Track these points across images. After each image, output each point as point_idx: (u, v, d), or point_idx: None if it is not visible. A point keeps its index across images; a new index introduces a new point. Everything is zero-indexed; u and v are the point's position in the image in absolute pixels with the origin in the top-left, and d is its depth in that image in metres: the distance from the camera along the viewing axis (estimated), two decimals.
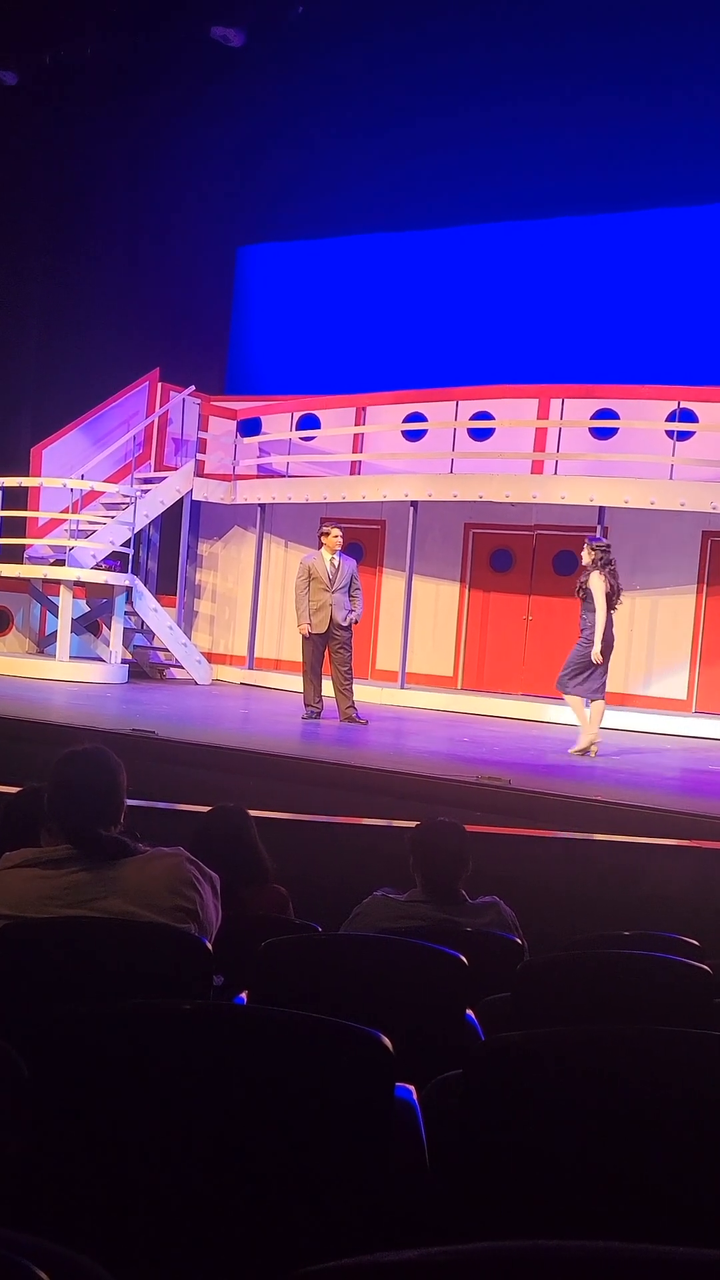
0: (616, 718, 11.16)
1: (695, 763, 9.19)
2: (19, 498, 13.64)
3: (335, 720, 9.78)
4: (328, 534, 9.95)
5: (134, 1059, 1.85)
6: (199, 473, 13.76)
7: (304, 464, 13.48)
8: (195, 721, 9.60)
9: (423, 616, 12.71)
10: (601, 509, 11.27)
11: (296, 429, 13.44)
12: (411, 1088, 2.13)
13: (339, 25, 13.65)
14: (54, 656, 12.60)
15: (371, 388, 13.49)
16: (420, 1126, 2.07)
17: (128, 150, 15.94)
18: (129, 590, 12.85)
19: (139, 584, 13.05)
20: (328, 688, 9.99)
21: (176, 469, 13.90)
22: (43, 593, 13.41)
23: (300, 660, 10.16)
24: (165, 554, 14.59)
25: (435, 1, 13.43)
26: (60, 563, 12.88)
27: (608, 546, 8.62)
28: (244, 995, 2.80)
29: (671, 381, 11.72)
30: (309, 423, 13.44)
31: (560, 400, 11.64)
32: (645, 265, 13.33)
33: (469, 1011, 2.80)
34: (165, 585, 14.33)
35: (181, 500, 13.69)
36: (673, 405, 11.13)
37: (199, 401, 14.17)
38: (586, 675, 8.44)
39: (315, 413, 13.42)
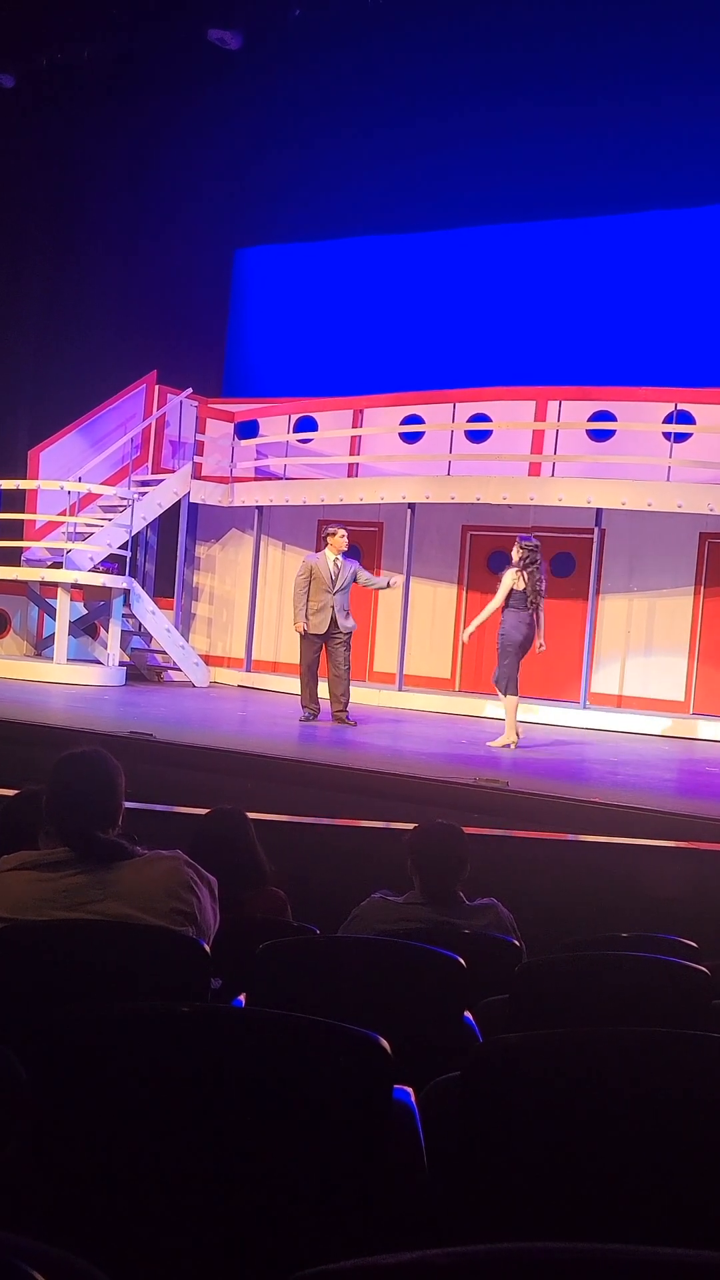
0: (615, 719, 11.19)
1: (693, 764, 9.20)
2: (16, 500, 13.63)
3: (330, 721, 9.78)
4: (334, 534, 9.95)
5: (132, 1062, 1.85)
6: (196, 475, 13.76)
7: (301, 466, 13.48)
8: (193, 724, 9.60)
9: (420, 618, 12.72)
10: (599, 511, 11.29)
11: (294, 431, 13.44)
12: (410, 1090, 2.13)
13: (336, 28, 13.67)
14: (51, 659, 12.60)
15: (369, 390, 13.49)
16: (418, 1128, 2.07)
17: (125, 153, 15.96)
18: (126, 593, 12.85)
19: (136, 586, 13.04)
20: (324, 689, 9.99)
21: (174, 471, 13.90)
22: (40, 595, 13.40)
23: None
24: (163, 556, 14.59)
25: (431, 4, 13.45)
26: (58, 565, 12.87)
27: (536, 547, 8.93)
28: (242, 998, 2.80)
29: (669, 383, 11.74)
30: (306, 425, 13.45)
31: (558, 402, 11.64)
32: (642, 267, 13.34)
33: (467, 1013, 2.80)
34: (163, 588, 14.33)
35: (179, 503, 13.69)
36: (670, 407, 11.14)
37: (196, 404, 14.17)
38: (502, 667, 8.81)
39: (313, 415, 13.42)
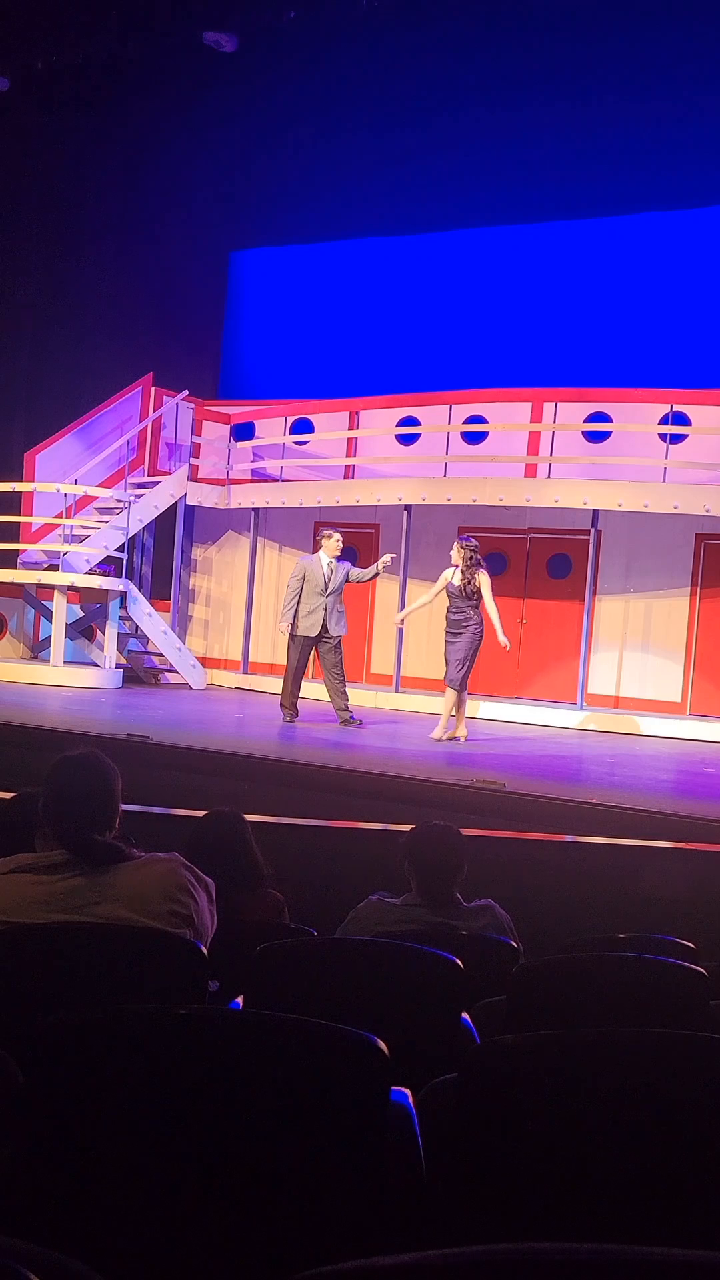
0: (612, 720, 11.19)
1: (690, 765, 9.20)
2: (12, 503, 13.63)
3: (328, 724, 9.78)
4: (328, 537, 9.97)
5: (129, 1064, 1.85)
6: (192, 477, 13.76)
7: (298, 468, 13.48)
8: (190, 726, 9.59)
9: (417, 620, 12.69)
10: (595, 512, 11.29)
11: (290, 433, 13.44)
12: (407, 1091, 2.13)
13: (330, 30, 13.67)
14: (48, 662, 12.59)
15: (365, 392, 13.50)
16: (416, 1130, 2.07)
17: (120, 155, 15.97)
18: (123, 595, 12.85)
19: (133, 589, 13.04)
20: (307, 691, 10.02)
21: (170, 474, 13.89)
22: (36, 598, 13.39)
23: None
24: (159, 558, 14.58)
25: (427, 6, 13.45)
26: (54, 568, 12.87)
27: (477, 546, 9.37)
28: (239, 1000, 2.79)
29: (664, 385, 11.75)
30: (302, 427, 13.44)
31: (554, 404, 11.65)
32: (638, 269, 13.36)
33: (464, 1015, 2.80)
34: (159, 590, 14.33)
35: (175, 505, 13.68)
36: (666, 408, 11.15)
37: (192, 406, 14.17)
38: (459, 663, 9.12)
39: (309, 417, 13.42)
